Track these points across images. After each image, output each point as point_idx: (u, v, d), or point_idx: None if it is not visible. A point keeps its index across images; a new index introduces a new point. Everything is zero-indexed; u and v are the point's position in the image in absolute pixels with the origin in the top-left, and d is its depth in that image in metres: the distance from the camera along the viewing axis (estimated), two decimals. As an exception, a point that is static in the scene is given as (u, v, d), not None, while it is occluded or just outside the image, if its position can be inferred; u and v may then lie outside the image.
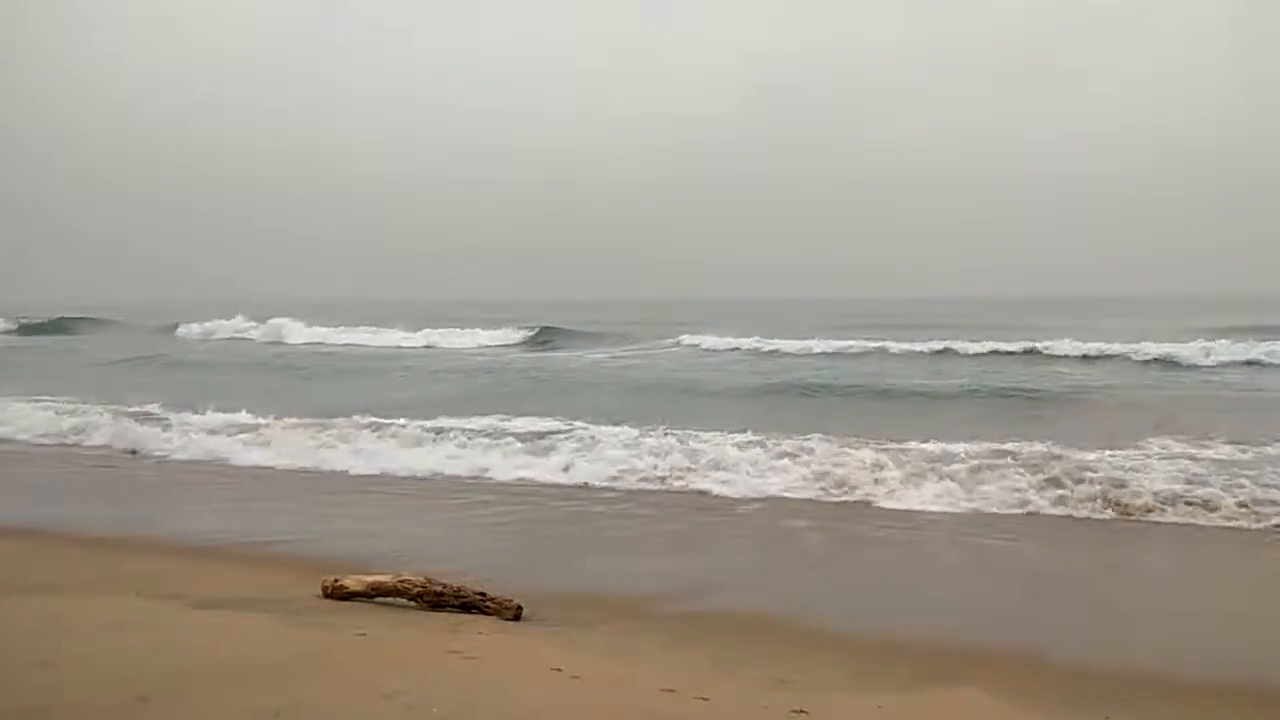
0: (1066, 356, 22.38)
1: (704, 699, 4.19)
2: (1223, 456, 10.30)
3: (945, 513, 8.76)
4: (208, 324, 41.26)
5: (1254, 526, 8.11)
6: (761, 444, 10.90)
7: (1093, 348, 22.57)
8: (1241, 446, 10.79)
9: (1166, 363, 21.02)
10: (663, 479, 10.23)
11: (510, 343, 34.38)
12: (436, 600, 5.82)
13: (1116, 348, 22.28)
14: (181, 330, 41.68)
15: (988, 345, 23.62)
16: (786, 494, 9.56)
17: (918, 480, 9.48)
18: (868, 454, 10.25)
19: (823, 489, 9.61)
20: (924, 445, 10.74)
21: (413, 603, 5.85)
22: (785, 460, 10.32)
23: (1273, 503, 8.39)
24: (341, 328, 38.41)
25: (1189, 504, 8.54)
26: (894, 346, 24.84)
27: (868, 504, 9.18)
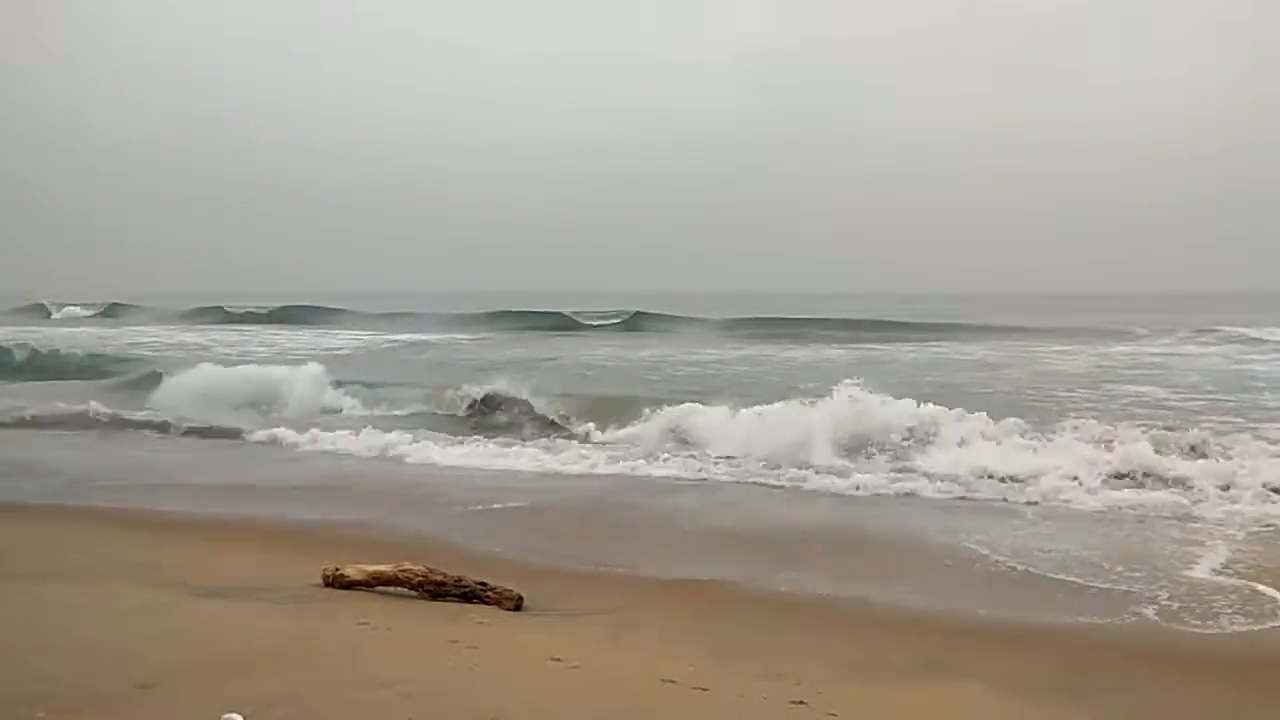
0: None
1: (703, 690, 4.20)
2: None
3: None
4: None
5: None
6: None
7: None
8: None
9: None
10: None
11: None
12: (437, 590, 5.82)
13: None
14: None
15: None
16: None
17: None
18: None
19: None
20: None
21: (414, 592, 5.86)
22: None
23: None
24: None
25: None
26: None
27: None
